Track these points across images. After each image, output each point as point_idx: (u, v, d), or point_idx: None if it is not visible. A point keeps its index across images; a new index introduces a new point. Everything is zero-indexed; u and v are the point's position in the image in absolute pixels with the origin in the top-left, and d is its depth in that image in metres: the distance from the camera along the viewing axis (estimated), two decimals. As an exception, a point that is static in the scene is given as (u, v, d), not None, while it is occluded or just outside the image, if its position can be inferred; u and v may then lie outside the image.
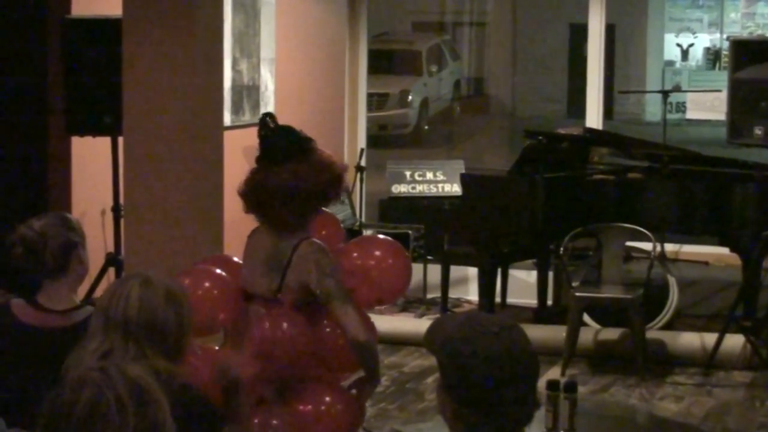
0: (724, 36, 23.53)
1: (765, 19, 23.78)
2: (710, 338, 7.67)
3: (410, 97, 19.98)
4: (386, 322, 8.12)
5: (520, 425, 2.66)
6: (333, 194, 4.13)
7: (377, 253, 4.33)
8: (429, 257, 9.21)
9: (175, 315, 3.22)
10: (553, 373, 7.33)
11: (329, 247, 4.09)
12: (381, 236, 4.49)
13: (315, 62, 10.05)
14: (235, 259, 4.39)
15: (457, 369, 2.63)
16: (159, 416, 2.44)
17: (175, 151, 5.55)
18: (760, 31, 23.08)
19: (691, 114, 19.54)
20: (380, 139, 17.90)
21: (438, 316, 8.64)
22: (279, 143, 4.07)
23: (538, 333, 7.75)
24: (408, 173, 10.17)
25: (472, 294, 8.99)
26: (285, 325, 4.00)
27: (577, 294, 7.63)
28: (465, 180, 8.62)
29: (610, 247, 7.83)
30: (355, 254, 4.31)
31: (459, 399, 2.63)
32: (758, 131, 8.45)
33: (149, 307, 3.19)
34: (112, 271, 6.92)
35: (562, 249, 7.81)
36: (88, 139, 7.05)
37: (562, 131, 8.77)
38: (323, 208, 4.26)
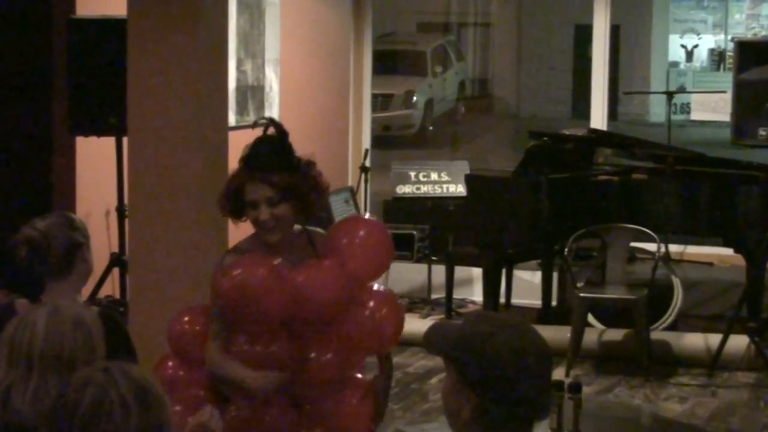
0: (729, 37, 23.52)
1: (769, 20, 23.78)
2: (714, 339, 7.67)
3: (415, 98, 19.97)
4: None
5: (540, 416, 2.67)
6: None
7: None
8: (433, 258, 9.20)
9: (83, 342, 3.12)
10: (558, 373, 7.32)
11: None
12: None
13: (319, 63, 10.05)
14: None
15: (484, 364, 2.61)
16: (162, 416, 2.45)
17: (179, 152, 5.55)
18: (764, 33, 23.07)
19: (695, 115, 19.52)
20: (385, 139, 17.90)
21: (442, 316, 8.65)
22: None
23: (542, 333, 7.73)
24: (412, 174, 10.17)
25: (477, 294, 8.99)
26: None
27: (582, 294, 7.63)
28: (469, 181, 8.62)
29: (615, 248, 7.83)
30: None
31: (484, 395, 2.61)
32: (762, 132, 8.47)
33: (56, 335, 3.10)
34: (116, 271, 6.93)
35: (566, 249, 7.81)
36: (93, 140, 7.05)
37: (566, 132, 8.78)
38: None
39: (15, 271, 3.98)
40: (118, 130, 6.68)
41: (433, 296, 9.11)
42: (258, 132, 3.85)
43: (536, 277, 8.88)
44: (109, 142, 6.92)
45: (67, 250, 3.96)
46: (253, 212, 3.81)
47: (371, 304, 3.85)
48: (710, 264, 9.35)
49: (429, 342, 2.73)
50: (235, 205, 3.86)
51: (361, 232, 3.90)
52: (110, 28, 6.65)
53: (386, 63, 19.08)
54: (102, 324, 3.24)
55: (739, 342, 7.59)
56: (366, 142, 10.67)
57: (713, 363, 7.56)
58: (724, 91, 12.79)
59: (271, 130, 3.84)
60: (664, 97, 9.59)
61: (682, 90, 21.23)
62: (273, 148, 3.82)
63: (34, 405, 3.02)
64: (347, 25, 10.50)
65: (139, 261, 5.67)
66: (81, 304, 3.32)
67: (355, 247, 3.85)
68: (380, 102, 18.07)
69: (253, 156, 3.81)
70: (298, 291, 3.70)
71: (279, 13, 9.32)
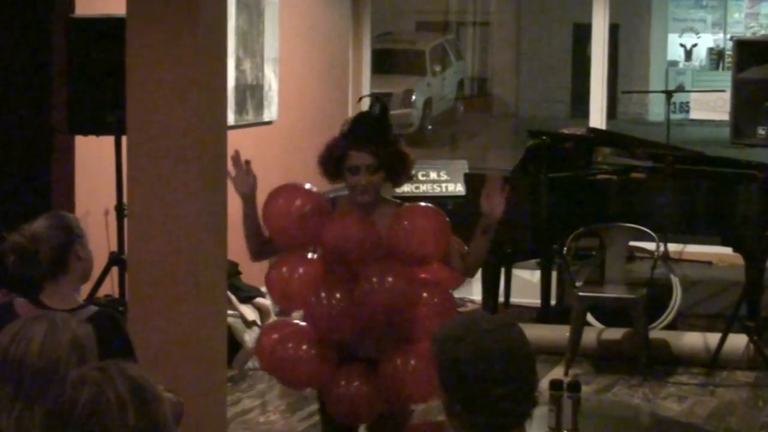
0: (728, 36, 23.55)
1: (768, 19, 23.79)
2: (713, 338, 7.67)
3: (414, 97, 19.97)
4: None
5: (515, 423, 2.70)
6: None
7: None
8: (432, 257, 9.19)
9: (77, 363, 3.01)
10: (557, 372, 7.33)
11: None
12: None
13: (318, 62, 10.05)
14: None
15: (450, 368, 2.69)
16: (159, 414, 2.45)
17: (178, 151, 5.54)
18: (763, 32, 23.08)
19: (694, 114, 19.55)
20: (384, 138, 17.88)
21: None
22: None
23: (541, 333, 7.75)
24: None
25: (476, 293, 8.99)
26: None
27: (581, 294, 7.63)
28: (468, 180, 8.62)
29: (614, 247, 7.83)
30: None
31: (452, 397, 2.68)
32: (761, 131, 8.45)
33: (51, 354, 3.03)
34: (115, 270, 6.92)
35: (565, 249, 7.81)
36: (92, 139, 7.05)
37: (565, 131, 8.77)
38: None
39: (9, 275, 3.96)
40: (117, 130, 6.67)
41: (432, 295, 9.10)
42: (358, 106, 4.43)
43: (535, 276, 8.88)
44: (108, 141, 6.91)
45: (57, 250, 3.92)
46: (353, 177, 4.40)
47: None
48: (709, 263, 9.35)
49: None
50: (335, 169, 4.45)
51: (418, 214, 4.50)
52: (110, 28, 6.64)
53: (385, 62, 19.08)
54: (96, 332, 3.18)
55: (738, 341, 7.59)
56: (365, 141, 10.66)
57: (712, 362, 7.56)
58: (723, 90, 12.79)
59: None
60: (663, 96, 9.59)
61: (681, 89, 21.25)
62: (377, 123, 4.46)
63: (17, 427, 2.97)
64: (346, 24, 10.50)
65: (138, 260, 5.66)
66: (81, 315, 3.25)
67: (412, 225, 4.42)
68: (379, 101, 18.05)
69: (360, 128, 4.44)
70: (331, 226, 4.34)
71: (278, 11, 9.31)
